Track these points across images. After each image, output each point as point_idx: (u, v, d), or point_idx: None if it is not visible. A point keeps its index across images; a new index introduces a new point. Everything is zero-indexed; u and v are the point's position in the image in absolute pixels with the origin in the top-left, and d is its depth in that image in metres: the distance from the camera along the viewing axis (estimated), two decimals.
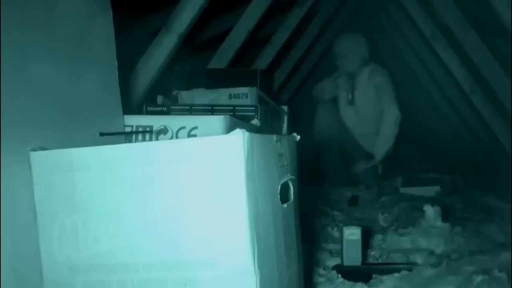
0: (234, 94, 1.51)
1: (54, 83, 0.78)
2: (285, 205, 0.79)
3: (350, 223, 1.76)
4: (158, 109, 1.33)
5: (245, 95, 1.51)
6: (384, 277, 1.23)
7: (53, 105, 0.77)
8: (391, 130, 2.69)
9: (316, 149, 2.80)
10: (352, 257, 1.26)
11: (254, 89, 1.52)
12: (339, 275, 1.24)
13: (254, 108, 1.35)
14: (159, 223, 0.67)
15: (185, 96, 1.56)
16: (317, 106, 2.98)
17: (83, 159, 0.69)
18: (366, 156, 2.81)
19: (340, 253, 1.30)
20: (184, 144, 0.70)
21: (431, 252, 1.41)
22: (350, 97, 2.86)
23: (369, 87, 2.81)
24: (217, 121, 1.01)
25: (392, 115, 2.69)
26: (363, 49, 2.85)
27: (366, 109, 2.84)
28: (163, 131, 1.03)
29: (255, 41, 2.43)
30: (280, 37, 2.68)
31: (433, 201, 1.80)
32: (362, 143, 2.88)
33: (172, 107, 1.34)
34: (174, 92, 1.57)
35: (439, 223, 1.57)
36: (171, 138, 1.02)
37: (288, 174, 0.81)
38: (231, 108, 1.34)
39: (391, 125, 2.69)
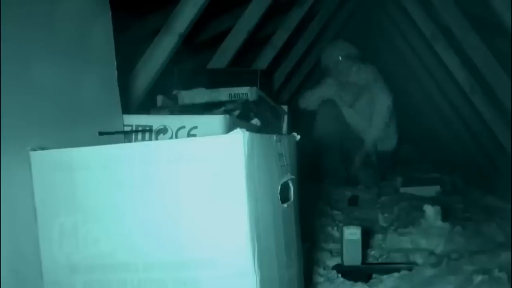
0: (234, 94, 1.51)
1: (54, 83, 0.78)
2: (285, 205, 0.79)
3: (350, 223, 1.76)
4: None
5: (245, 95, 1.51)
6: (384, 277, 1.23)
7: (53, 105, 0.77)
8: (382, 117, 2.78)
9: (317, 148, 2.81)
10: (352, 257, 1.26)
11: (254, 89, 1.52)
12: (339, 275, 1.24)
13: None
14: (159, 223, 0.67)
15: (185, 96, 1.55)
16: (319, 106, 3.01)
17: (83, 159, 0.69)
18: (365, 155, 2.84)
19: (340, 253, 1.30)
20: (184, 144, 0.70)
21: (431, 252, 1.41)
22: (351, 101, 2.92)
23: (358, 86, 2.88)
24: (217, 120, 1.02)
25: (384, 103, 2.77)
26: (352, 53, 2.90)
27: (364, 109, 2.88)
28: (163, 130, 1.03)
29: (255, 41, 2.43)
30: (280, 37, 2.68)
31: (433, 201, 1.80)
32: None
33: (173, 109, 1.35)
34: (174, 92, 1.57)
35: (439, 223, 1.57)
36: (171, 137, 1.02)
37: (288, 174, 0.81)
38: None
39: (382, 113, 2.78)
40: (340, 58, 2.88)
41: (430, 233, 1.52)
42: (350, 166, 2.87)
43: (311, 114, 3.02)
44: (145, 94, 1.57)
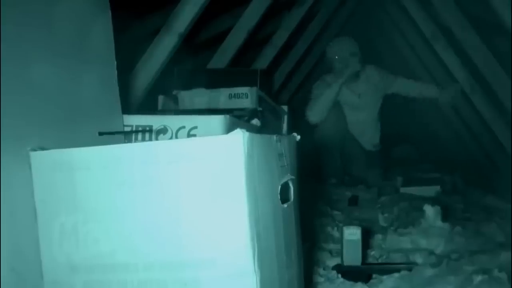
0: (234, 94, 1.51)
1: (54, 83, 0.78)
2: (285, 205, 0.79)
3: (350, 223, 1.76)
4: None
5: (245, 95, 1.51)
6: (384, 277, 1.23)
7: (53, 105, 0.77)
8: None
9: (317, 149, 2.81)
10: (352, 257, 1.26)
11: (254, 89, 1.52)
12: (339, 275, 1.24)
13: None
14: (159, 223, 0.67)
15: (185, 96, 1.55)
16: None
17: (83, 159, 0.69)
18: (366, 157, 2.85)
19: (340, 253, 1.30)
20: (184, 144, 0.70)
21: (431, 252, 1.41)
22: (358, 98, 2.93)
23: (371, 86, 2.91)
24: (217, 120, 1.01)
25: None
26: (358, 51, 2.89)
27: (369, 107, 2.92)
28: (163, 130, 1.03)
29: (255, 41, 2.43)
30: (280, 37, 2.68)
31: (433, 201, 1.79)
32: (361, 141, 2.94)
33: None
34: (174, 92, 1.57)
35: (439, 223, 1.56)
36: (171, 138, 1.02)
37: (288, 174, 0.81)
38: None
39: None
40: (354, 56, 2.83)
41: (430, 233, 1.52)
42: (352, 166, 2.88)
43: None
44: (145, 94, 1.57)
